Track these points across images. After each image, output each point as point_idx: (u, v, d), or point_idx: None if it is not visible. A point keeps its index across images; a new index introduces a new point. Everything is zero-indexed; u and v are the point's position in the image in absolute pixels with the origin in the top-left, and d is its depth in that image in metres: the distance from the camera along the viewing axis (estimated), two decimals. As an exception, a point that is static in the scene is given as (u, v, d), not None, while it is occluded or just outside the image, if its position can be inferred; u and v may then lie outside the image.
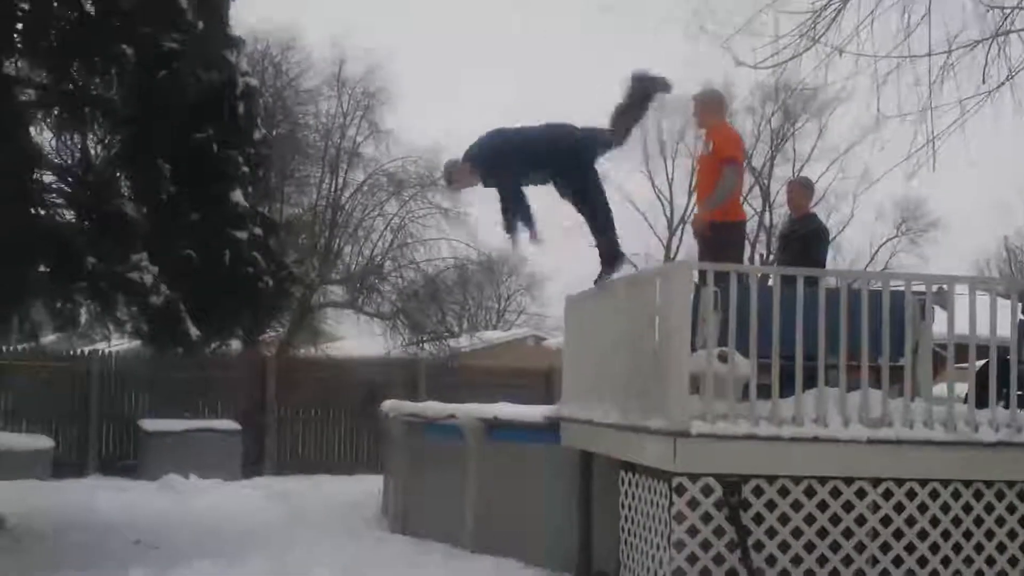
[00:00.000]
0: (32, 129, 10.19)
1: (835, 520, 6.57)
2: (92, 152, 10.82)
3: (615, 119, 7.00)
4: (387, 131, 27.19)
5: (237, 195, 10.14)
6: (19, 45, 9.67)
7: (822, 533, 6.55)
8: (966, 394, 7.20)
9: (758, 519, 6.49)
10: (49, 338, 14.63)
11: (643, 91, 6.98)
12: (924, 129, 9.82)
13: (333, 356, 23.43)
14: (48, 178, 10.36)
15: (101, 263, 9.15)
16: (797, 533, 6.53)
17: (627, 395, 7.15)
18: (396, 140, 27.13)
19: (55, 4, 9.41)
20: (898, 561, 6.62)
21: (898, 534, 6.63)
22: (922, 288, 7.51)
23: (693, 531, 6.43)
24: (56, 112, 10.33)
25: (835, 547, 6.56)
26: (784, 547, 6.51)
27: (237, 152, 10.19)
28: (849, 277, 7.66)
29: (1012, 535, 6.76)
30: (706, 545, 6.43)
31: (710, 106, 8.77)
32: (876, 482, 6.63)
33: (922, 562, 6.64)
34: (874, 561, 6.61)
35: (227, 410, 17.16)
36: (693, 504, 6.44)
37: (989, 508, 6.74)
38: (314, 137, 26.57)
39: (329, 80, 27.04)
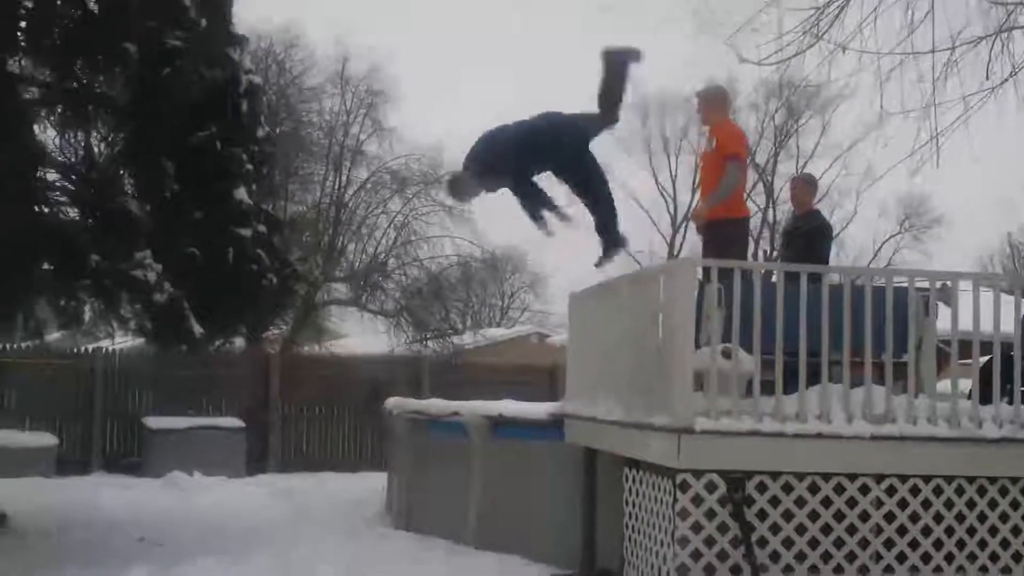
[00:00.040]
0: (36, 127, 10.20)
1: (839, 516, 6.57)
2: (96, 150, 10.83)
3: (602, 101, 6.95)
4: (390, 129, 27.19)
5: (241, 193, 10.14)
6: (23, 43, 9.67)
7: (826, 529, 6.56)
8: (970, 390, 7.19)
9: (762, 515, 6.49)
10: (53, 336, 14.58)
11: (618, 66, 6.92)
12: (928, 126, 9.82)
13: (337, 354, 23.42)
14: (52, 176, 10.37)
15: (105, 261, 9.16)
16: (801, 529, 6.53)
17: (631, 392, 7.15)
18: (399, 138, 27.14)
19: (58, 2, 9.40)
20: (902, 557, 6.62)
21: (902, 530, 6.64)
22: (926, 284, 7.50)
23: (697, 527, 6.43)
24: (60, 110, 10.34)
25: (839, 543, 6.57)
26: (788, 543, 6.51)
27: (241, 150, 10.20)
28: (853, 273, 7.67)
29: (1016, 531, 6.76)
30: (710, 541, 6.43)
31: (714, 103, 8.78)
32: (880, 478, 6.63)
33: (926, 558, 6.64)
34: (878, 557, 6.61)
35: (231, 408, 17.18)
36: (697, 500, 6.44)
37: (993, 504, 6.74)
38: (318, 135, 26.56)
39: (332, 78, 27.05)
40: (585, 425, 8.14)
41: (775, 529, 6.50)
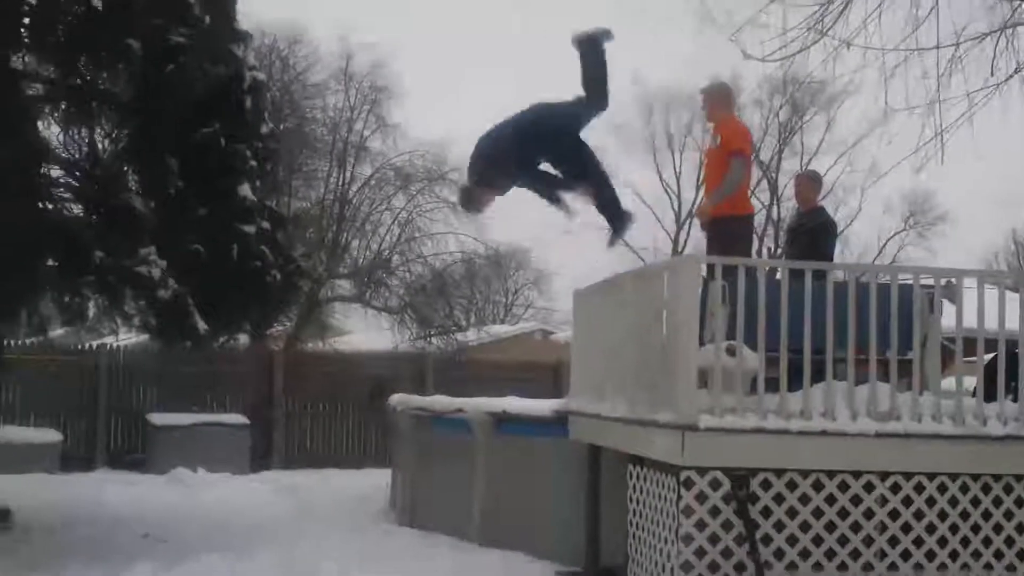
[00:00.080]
0: (40, 123, 10.19)
1: (843, 514, 6.57)
2: (99, 146, 10.81)
3: (587, 87, 6.88)
4: (394, 125, 27.23)
5: (245, 189, 10.13)
6: (26, 40, 9.67)
7: (830, 527, 6.55)
8: (974, 388, 7.19)
9: (766, 513, 6.49)
10: (57, 332, 14.62)
11: (592, 49, 6.85)
12: (932, 122, 9.81)
13: (341, 350, 23.48)
14: (56, 172, 10.35)
15: (109, 257, 9.15)
16: (805, 527, 6.52)
17: (635, 389, 7.14)
18: (403, 134, 27.18)
19: (62, -1, 9.41)
20: (906, 555, 6.62)
21: (906, 528, 6.63)
22: (930, 281, 7.49)
23: (701, 525, 6.43)
24: (63, 106, 10.33)
25: (843, 541, 6.56)
26: (792, 541, 6.51)
27: (245, 146, 10.19)
28: (857, 270, 7.66)
29: (1020, 529, 6.75)
30: (714, 539, 6.43)
31: (718, 99, 8.78)
32: (884, 476, 6.63)
33: (930, 556, 6.64)
34: (882, 555, 6.60)
35: (235, 404, 17.22)
36: (701, 498, 6.43)
37: (997, 502, 6.74)
38: (321, 131, 26.58)
39: (336, 74, 27.08)
40: (589, 422, 8.14)
41: (779, 526, 6.50)
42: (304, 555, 8.97)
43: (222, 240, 9.75)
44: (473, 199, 7.26)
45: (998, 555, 6.71)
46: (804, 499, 6.54)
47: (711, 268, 7.02)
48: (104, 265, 9.17)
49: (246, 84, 10.31)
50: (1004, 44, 9.66)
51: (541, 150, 6.90)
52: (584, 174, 6.98)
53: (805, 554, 6.51)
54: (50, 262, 9.43)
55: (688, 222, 38.64)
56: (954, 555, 6.66)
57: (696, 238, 35.04)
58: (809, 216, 9.49)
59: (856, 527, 6.58)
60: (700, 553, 6.42)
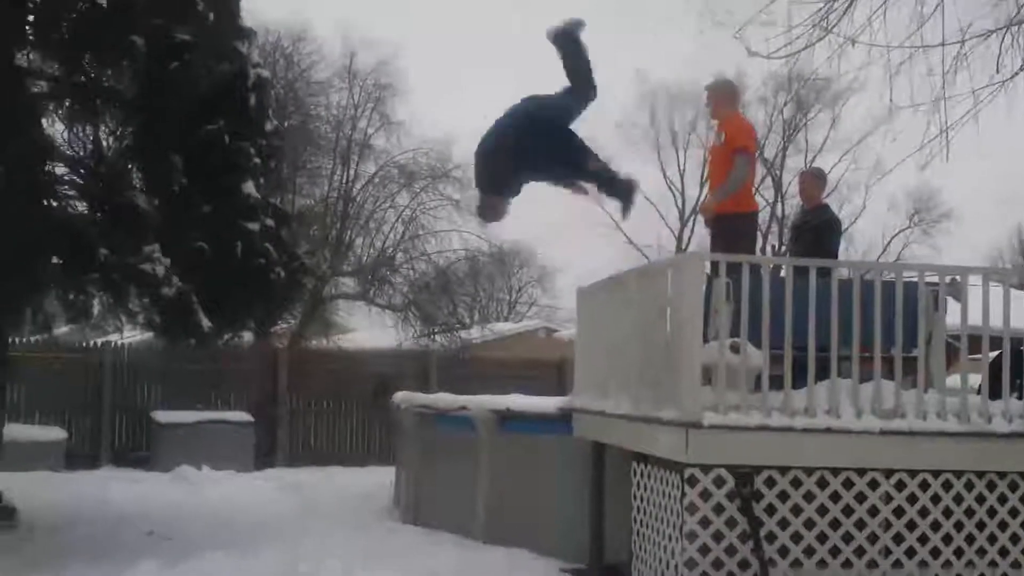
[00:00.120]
0: (44, 121, 10.20)
1: (848, 511, 6.56)
2: (104, 144, 10.83)
3: (572, 79, 6.84)
4: (398, 123, 27.26)
5: (249, 186, 10.14)
6: (31, 37, 9.69)
7: (834, 524, 6.54)
8: (979, 385, 7.18)
9: (770, 510, 6.48)
10: (62, 329, 14.65)
11: (568, 41, 6.81)
12: (937, 119, 9.77)
13: (345, 348, 23.49)
14: (60, 170, 10.37)
15: (113, 255, 9.16)
16: (809, 524, 6.52)
17: (639, 386, 7.14)
18: (407, 132, 27.21)
19: (66, -4, 9.42)
20: (911, 552, 6.61)
21: (911, 525, 6.62)
22: (935, 279, 7.48)
23: (705, 522, 6.42)
24: (68, 104, 10.34)
25: (847, 538, 6.56)
26: (796, 538, 6.50)
27: (249, 144, 10.20)
28: (862, 268, 7.65)
29: (1026, 526, 6.75)
30: (718, 536, 6.43)
31: (723, 96, 8.77)
32: (889, 473, 6.62)
33: (935, 553, 6.63)
34: (887, 552, 6.60)
35: (239, 402, 17.22)
36: (705, 495, 6.43)
37: (1002, 499, 6.72)
38: (325, 129, 26.59)
39: (340, 72, 27.11)
40: (593, 419, 8.14)
41: (784, 524, 6.49)
42: (308, 552, 8.97)
43: (226, 237, 9.76)
44: (491, 208, 7.18)
45: (1003, 552, 6.70)
46: (808, 496, 6.53)
47: (715, 265, 7.01)
48: (108, 263, 9.18)
49: (250, 81, 10.32)
50: (1010, 41, 9.62)
51: (538, 142, 6.87)
52: (580, 163, 6.94)
53: (809, 551, 6.51)
54: (54, 260, 9.45)
55: (692, 219, 38.63)
56: (959, 552, 6.65)
57: (700, 235, 35.03)
58: (813, 213, 9.48)
59: (860, 524, 6.57)
60: (704, 550, 6.41)
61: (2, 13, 9.26)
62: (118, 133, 10.78)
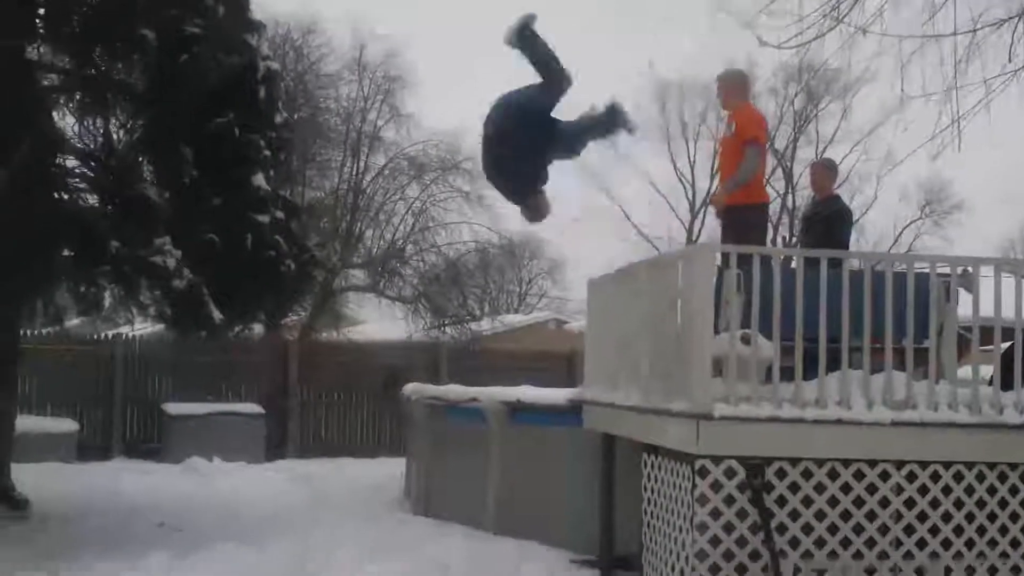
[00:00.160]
0: (55, 114, 10.24)
1: (858, 502, 6.55)
2: (114, 137, 10.85)
3: (542, 72, 6.73)
4: (408, 115, 27.21)
5: (259, 179, 10.15)
6: (42, 30, 9.71)
7: (845, 515, 6.54)
8: (991, 376, 7.16)
9: (781, 501, 6.48)
10: (73, 322, 14.70)
11: (524, 37, 6.72)
12: (949, 109, 9.71)
13: (355, 340, 23.50)
14: (71, 163, 10.40)
15: (124, 247, 9.19)
16: (820, 515, 6.51)
17: (649, 378, 7.14)
18: (417, 124, 27.15)
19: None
20: (922, 543, 6.60)
21: (922, 516, 6.61)
22: (947, 270, 7.46)
23: (716, 513, 6.42)
24: (78, 97, 10.37)
25: (858, 529, 6.55)
26: (807, 529, 6.49)
27: (259, 136, 10.21)
28: (873, 259, 7.63)
29: (1037, 518, 6.73)
30: (729, 527, 6.42)
31: (733, 87, 8.74)
32: (900, 464, 6.60)
33: (946, 544, 6.61)
34: (898, 543, 6.58)
35: (250, 394, 17.28)
36: (716, 487, 6.43)
37: (1014, 490, 6.70)
38: (335, 121, 26.57)
39: (350, 64, 27.05)
40: (603, 411, 8.14)
41: (794, 515, 6.49)
42: (319, 544, 9.00)
43: (236, 230, 9.77)
44: (532, 210, 7.03)
45: (1015, 543, 6.68)
46: (819, 488, 6.52)
47: (726, 257, 7.00)
48: (119, 255, 9.20)
49: (260, 74, 10.33)
50: (1022, 30, 9.58)
51: (532, 131, 6.81)
52: (577, 137, 6.87)
53: (820, 543, 6.50)
54: (66, 252, 9.48)
55: (703, 211, 38.54)
56: (970, 544, 6.64)
57: (711, 227, 35.01)
58: (824, 204, 9.45)
59: (871, 516, 6.56)
60: (715, 542, 6.41)
61: (13, 7, 9.28)
62: (128, 126, 10.80)
